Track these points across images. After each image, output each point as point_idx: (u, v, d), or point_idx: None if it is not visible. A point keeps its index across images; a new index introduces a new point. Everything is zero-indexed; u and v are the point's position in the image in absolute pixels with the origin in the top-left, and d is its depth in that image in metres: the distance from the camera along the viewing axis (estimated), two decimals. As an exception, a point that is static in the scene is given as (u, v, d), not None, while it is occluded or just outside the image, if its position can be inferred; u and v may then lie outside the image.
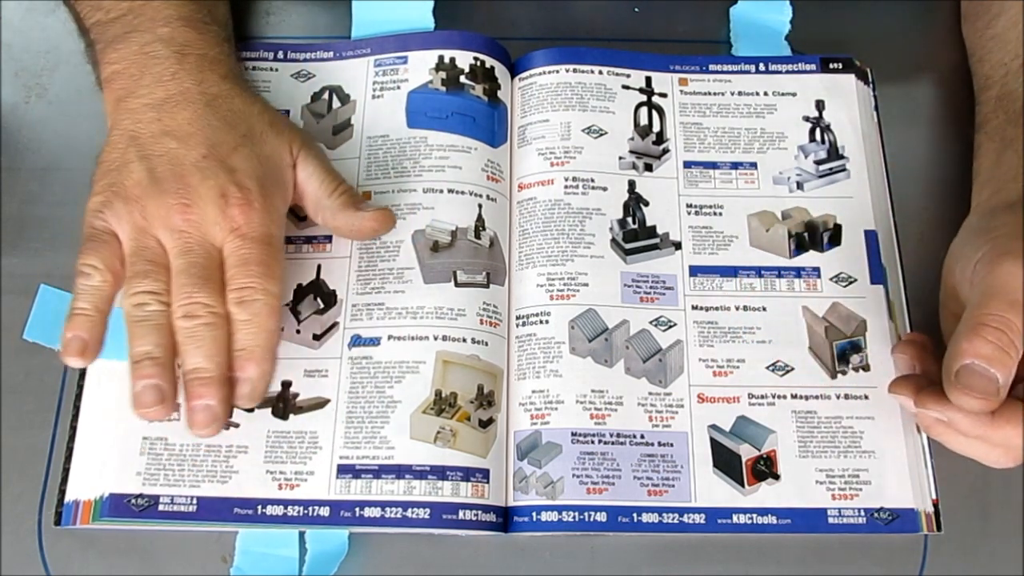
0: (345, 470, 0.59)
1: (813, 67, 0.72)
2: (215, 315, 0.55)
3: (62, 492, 0.59)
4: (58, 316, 0.57)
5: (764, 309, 0.64)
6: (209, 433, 0.56)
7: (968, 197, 0.66)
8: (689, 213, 0.67)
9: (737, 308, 0.64)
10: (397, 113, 0.68)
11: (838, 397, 0.62)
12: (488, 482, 0.59)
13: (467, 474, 0.59)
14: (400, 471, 0.59)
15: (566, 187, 0.66)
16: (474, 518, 0.58)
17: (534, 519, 0.59)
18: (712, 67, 0.72)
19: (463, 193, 0.65)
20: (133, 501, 0.58)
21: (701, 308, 0.64)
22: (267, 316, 0.56)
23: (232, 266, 0.56)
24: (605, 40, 0.73)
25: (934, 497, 0.60)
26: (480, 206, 0.65)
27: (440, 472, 0.59)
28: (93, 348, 0.56)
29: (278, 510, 0.58)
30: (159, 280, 0.56)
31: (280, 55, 0.71)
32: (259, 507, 0.58)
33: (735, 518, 0.59)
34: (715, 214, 0.67)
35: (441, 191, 0.65)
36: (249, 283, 0.56)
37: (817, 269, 0.65)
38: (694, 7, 0.75)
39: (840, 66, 0.72)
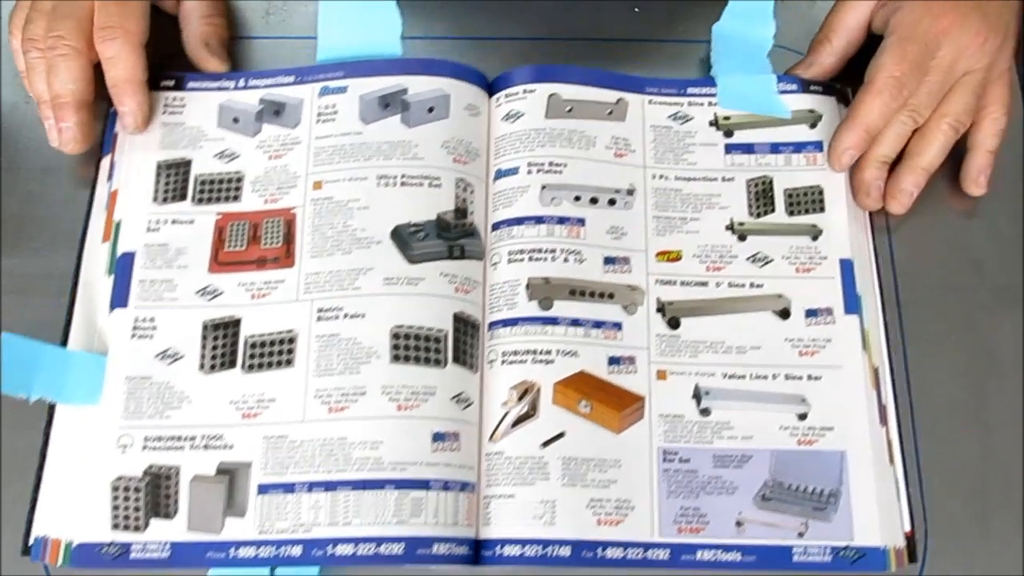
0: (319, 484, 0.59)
1: (794, 87, 0.70)
2: (70, 47, 0.64)
3: (29, 523, 0.59)
4: (26, 365, 0.61)
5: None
6: (71, 150, 0.66)
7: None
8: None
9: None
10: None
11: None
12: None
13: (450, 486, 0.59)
14: (382, 483, 0.59)
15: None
16: (447, 552, 0.58)
17: (496, 554, 0.59)
18: (691, 90, 0.70)
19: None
20: (104, 549, 0.58)
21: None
22: (129, 52, 0.65)
23: (96, 10, 0.65)
24: (604, 40, 0.73)
25: (907, 529, 0.60)
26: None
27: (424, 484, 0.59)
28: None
29: (250, 552, 0.58)
30: (39, 25, 0.65)
31: (241, 83, 0.70)
32: (232, 549, 0.58)
33: (699, 555, 0.59)
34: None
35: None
36: (109, 23, 0.64)
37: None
38: (694, 7, 0.74)
39: (820, 88, 0.70)
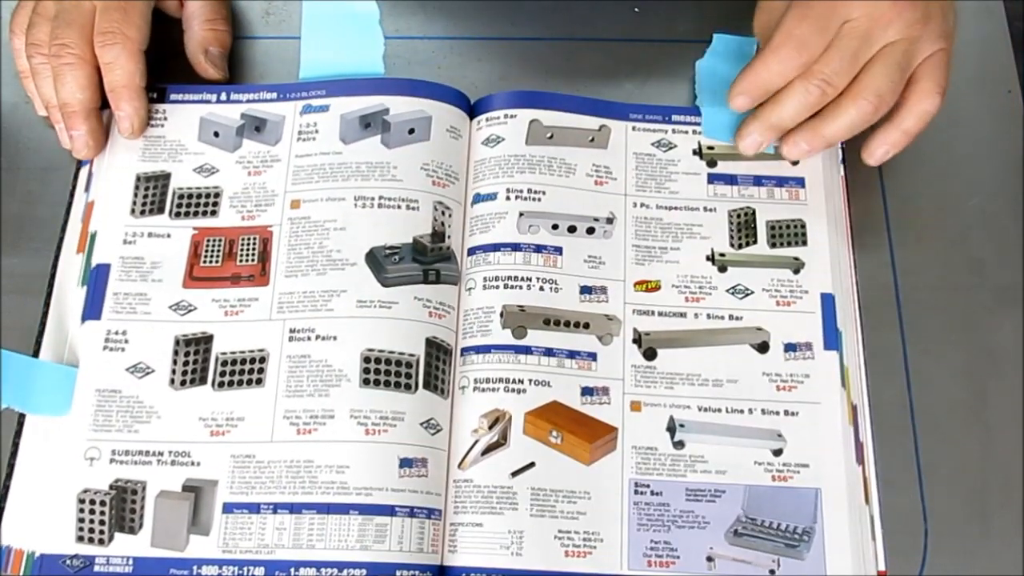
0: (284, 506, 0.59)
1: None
2: (75, 56, 0.64)
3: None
4: (25, 381, 0.61)
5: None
6: (85, 156, 0.67)
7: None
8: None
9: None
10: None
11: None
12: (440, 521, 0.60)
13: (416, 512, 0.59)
14: (347, 507, 0.58)
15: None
16: None
17: (461, 584, 0.58)
18: (675, 117, 0.70)
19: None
20: (68, 561, 0.58)
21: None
22: (127, 58, 0.65)
23: (97, 14, 0.65)
24: (604, 40, 0.73)
25: (881, 568, 0.59)
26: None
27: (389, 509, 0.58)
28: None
29: (213, 571, 0.58)
30: (43, 30, 0.66)
31: (223, 96, 0.70)
32: (195, 567, 0.58)
33: (669, 590, 0.58)
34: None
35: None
36: (109, 28, 0.65)
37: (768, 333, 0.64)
38: (694, 7, 0.74)
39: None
